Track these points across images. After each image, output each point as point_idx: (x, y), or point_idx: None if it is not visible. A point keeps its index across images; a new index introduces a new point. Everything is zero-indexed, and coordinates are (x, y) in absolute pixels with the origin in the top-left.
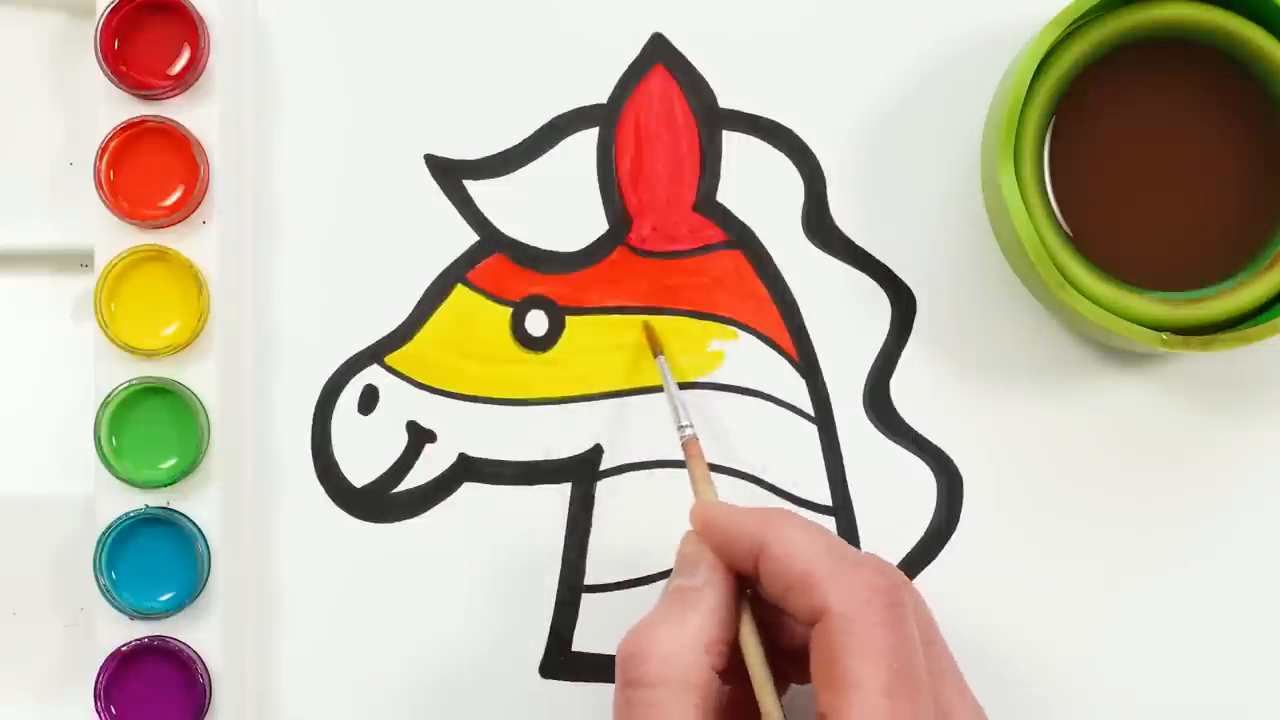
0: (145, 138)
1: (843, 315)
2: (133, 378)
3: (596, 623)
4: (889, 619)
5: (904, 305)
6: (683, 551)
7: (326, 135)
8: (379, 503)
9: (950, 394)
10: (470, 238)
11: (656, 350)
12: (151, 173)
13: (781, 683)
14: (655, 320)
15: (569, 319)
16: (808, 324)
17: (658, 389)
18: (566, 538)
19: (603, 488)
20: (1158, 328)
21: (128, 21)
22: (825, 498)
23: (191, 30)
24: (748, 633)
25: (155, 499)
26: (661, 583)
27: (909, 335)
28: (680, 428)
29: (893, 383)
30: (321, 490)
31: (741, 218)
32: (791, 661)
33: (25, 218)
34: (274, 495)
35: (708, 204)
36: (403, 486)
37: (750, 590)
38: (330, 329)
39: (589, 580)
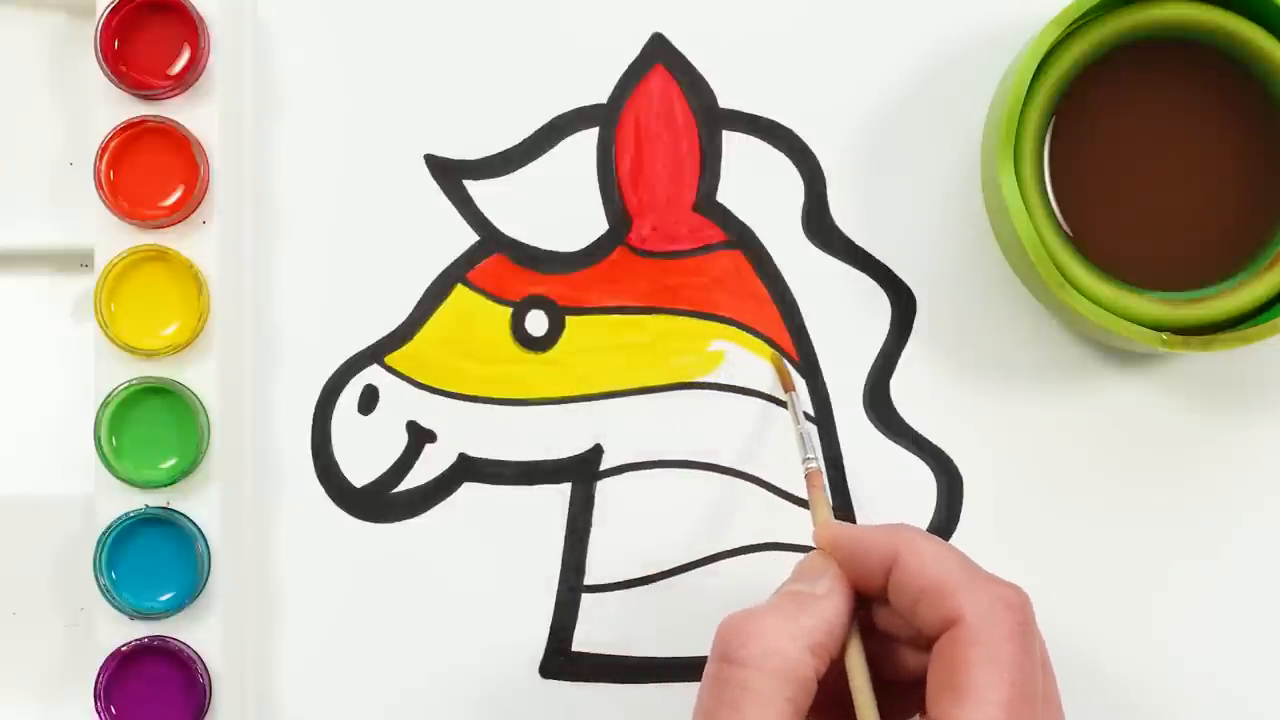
0: (145, 138)
1: (843, 315)
2: (133, 378)
3: (596, 623)
4: (1019, 635)
5: (904, 305)
6: (807, 563)
7: (326, 135)
8: (379, 503)
9: (950, 394)
10: (470, 238)
11: (789, 387)
12: (151, 173)
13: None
14: (658, 320)
15: (569, 319)
16: (808, 324)
17: (658, 389)
18: (566, 538)
19: (603, 488)
20: (1158, 328)
21: (128, 21)
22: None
23: (191, 30)
24: (855, 650)
25: (155, 499)
26: (661, 582)
27: (909, 335)
28: (805, 460)
29: (893, 383)
30: (321, 490)
31: (741, 218)
32: (890, 696)
33: (25, 218)
34: (274, 495)
35: (708, 204)
36: (403, 486)
37: (858, 622)
38: (330, 329)
39: (589, 580)
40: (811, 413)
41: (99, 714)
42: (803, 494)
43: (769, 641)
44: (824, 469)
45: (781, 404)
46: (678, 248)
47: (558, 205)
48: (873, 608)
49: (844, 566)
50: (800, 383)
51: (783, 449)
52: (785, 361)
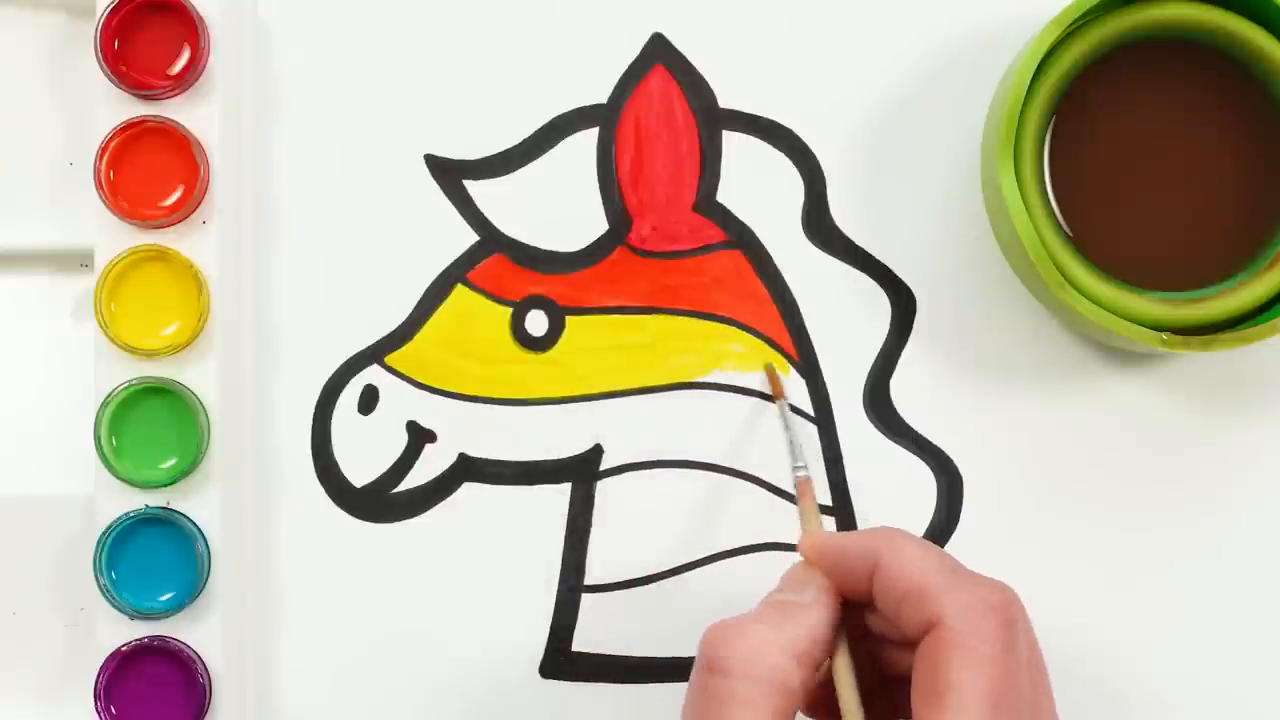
0: (145, 138)
1: (843, 315)
2: (133, 378)
3: (596, 623)
4: (1001, 636)
5: (904, 305)
6: (792, 573)
7: (326, 135)
8: (379, 503)
9: (950, 394)
10: (470, 238)
11: (779, 395)
12: (151, 173)
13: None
14: (658, 320)
15: (569, 319)
16: (808, 324)
17: (658, 389)
18: (566, 538)
19: (603, 488)
20: (1158, 328)
21: (128, 21)
22: (825, 498)
23: (191, 30)
24: (841, 658)
25: (155, 499)
26: (661, 582)
27: (909, 335)
28: (795, 468)
29: (893, 383)
30: (321, 490)
31: (741, 218)
32: (889, 695)
33: (25, 218)
34: (274, 495)
35: (708, 204)
36: (403, 486)
37: (845, 631)
38: (330, 329)
39: (589, 580)
40: (812, 413)
41: (99, 714)
42: None
43: (754, 650)
44: (812, 478)
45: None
46: (678, 248)
47: (558, 205)
48: (864, 612)
49: (829, 575)
50: (800, 384)
51: (783, 449)
52: (777, 372)
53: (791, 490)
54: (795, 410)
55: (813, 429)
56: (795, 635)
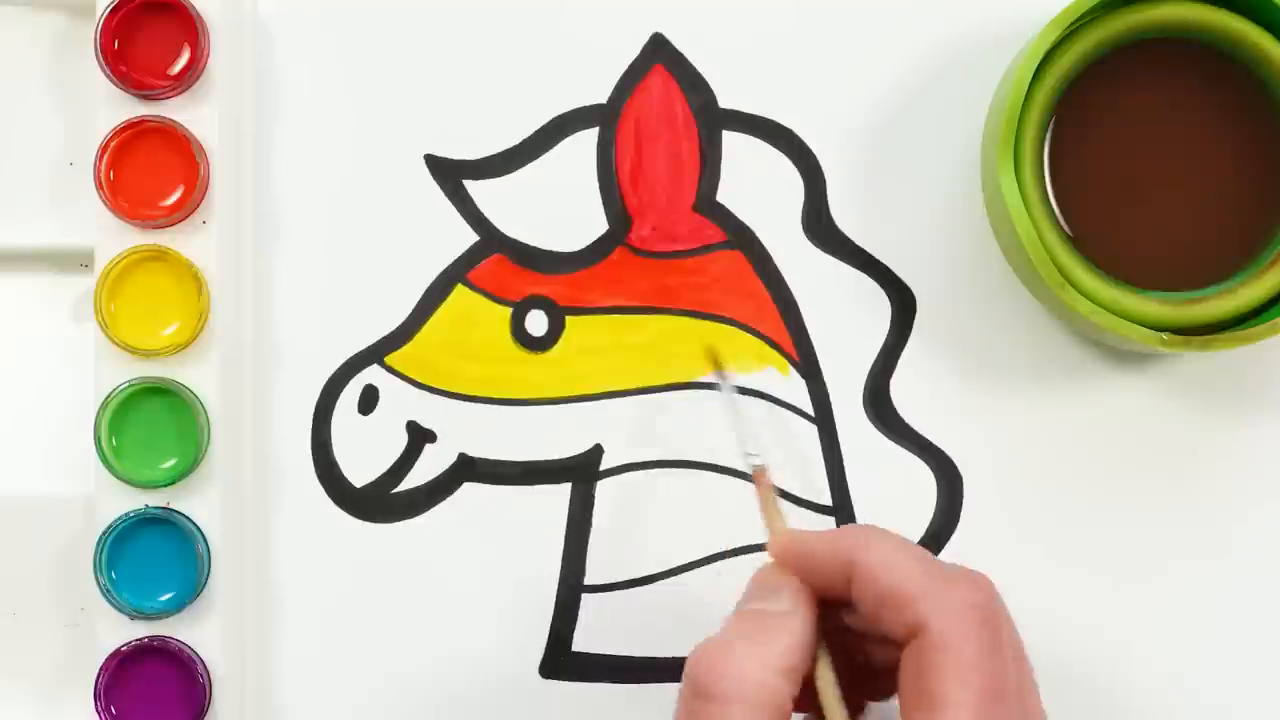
0: (145, 138)
1: (843, 315)
2: (133, 378)
3: (596, 623)
4: (985, 636)
5: (904, 305)
6: (761, 579)
7: (326, 135)
8: (379, 503)
9: (950, 394)
10: (470, 238)
11: (720, 383)
12: (151, 173)
13: (857, 700)
14: (658, 320)
15: (569, 319)
16: (808, 324)
17: (658, 389)
18: (566, 538)
19: (603, 488)
20: (1158, 328)
21: (128, 21)
22: (825, 498)
23: (191, 30)
24: (824, 667)
25: (155, 499)
26: (661, 583)
27: (909, 335)
28: (747, 455)
29: (893, 383)
30: (321, 490)
31: (741, 218)
32: (864, 679)
33: (25, 218)
34: (274, 495)
35: (708, 204)
36: (403, 486)
37: (822, 635)
38: (330, 329)
39: (589, 580)
40: (812, 413)
41: (99, 714)
42: (802, 493)
43: (744, 672)
44: (768, 466)
45: (782, 404)
46: (678, 248)
47: (558, 205)
48: (839, 609)
49: (803, 578)
50: (800, 384)
51: (782, 449)
52: (715, 352)
53: (790, 489)
54: (797, 411)
55: (812, 428)
56: (781, 650)
